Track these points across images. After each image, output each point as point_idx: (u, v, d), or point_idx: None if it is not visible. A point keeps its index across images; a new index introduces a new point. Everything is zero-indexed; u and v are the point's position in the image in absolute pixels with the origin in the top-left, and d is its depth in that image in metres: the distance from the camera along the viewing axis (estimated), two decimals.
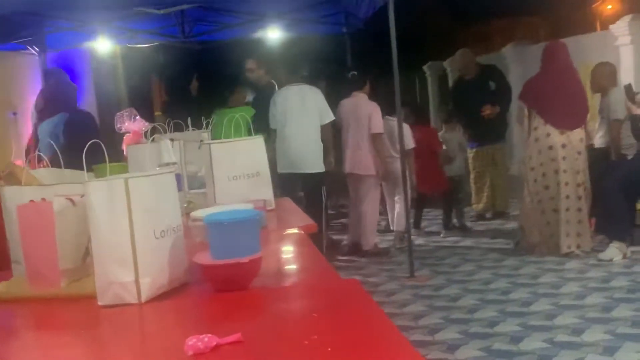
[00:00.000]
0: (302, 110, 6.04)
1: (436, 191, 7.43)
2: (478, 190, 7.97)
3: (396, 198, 6.83)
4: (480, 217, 7.94)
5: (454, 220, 7.64)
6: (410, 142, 6.67)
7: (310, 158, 6.00)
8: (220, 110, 6.31)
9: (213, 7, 6.84)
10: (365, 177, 6.61)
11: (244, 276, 1.85)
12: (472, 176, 8.01)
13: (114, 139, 5.62)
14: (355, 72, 6.76)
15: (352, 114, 6.56)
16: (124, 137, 6.15)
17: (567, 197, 5.94)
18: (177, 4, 5.79)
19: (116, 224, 1.74)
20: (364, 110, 6.52)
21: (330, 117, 6.15)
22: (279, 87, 6.33)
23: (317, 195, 5.99)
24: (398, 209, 6.81)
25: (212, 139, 3.47)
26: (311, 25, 7.93)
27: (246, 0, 6.15)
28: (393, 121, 6.40)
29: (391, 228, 7.18)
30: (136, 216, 1.75)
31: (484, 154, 7.85)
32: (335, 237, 7.30)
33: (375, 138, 6.49)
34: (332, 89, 7.15)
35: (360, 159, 6.55)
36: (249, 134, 3.41)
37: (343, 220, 7.95)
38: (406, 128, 6.56)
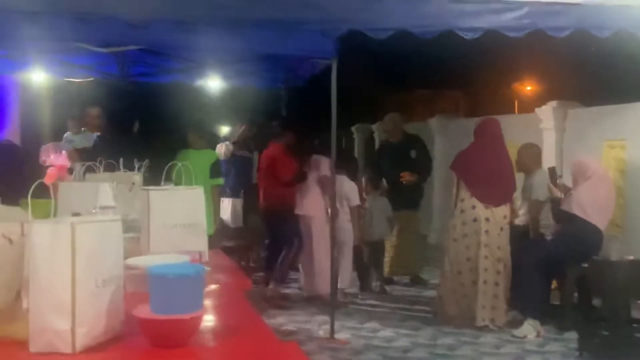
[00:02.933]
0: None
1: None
2: (388, 254, 8.04)
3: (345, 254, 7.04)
4: (389, 280, 7.98)
5: (373, 284, 7.68)
6: (356, 199, 7.00)
7: None
8: (185, 152, 6.31)
9: (154, 51, 6.80)
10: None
11: (184, 333, 1.80)
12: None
13: (37, 172, 5.43)
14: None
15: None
16: (47, 172, 5.96)
17: (486, 270, 6.06)
18: (121, 44, 5.71)
19: (57, 269, 1.68)
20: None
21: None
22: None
23: None
24: (344, 265, 7.01)
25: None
26: (251, 77, 7.99)
27: (187, 47, 6.11)
28: (341, 177, 6.74)
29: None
30: (79, 263, 1.69)
31: (397, 219, 7.93)
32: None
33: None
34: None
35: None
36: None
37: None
38: (353, 185, 6.98)
